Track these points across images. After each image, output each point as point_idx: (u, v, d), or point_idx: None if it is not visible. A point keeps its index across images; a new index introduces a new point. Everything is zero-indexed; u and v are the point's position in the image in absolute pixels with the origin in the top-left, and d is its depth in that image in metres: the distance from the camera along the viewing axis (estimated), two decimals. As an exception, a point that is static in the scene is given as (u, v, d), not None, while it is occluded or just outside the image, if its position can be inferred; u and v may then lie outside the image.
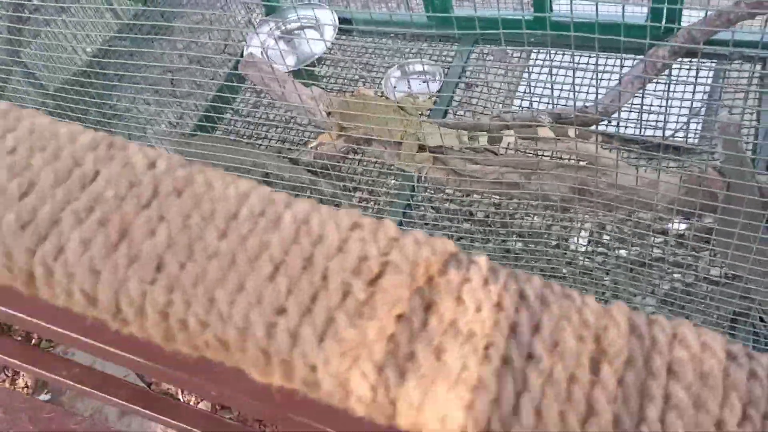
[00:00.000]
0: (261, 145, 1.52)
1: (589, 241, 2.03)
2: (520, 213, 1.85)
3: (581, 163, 1.22)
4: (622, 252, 1.95)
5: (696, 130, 1.97)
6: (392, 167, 1.31)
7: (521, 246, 2.02)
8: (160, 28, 1.68)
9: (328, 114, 1.32)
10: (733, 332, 1.13)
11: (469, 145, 1.25)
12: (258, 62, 1.42)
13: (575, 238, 2.00)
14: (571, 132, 1.18)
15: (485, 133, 1.23)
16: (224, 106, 1.66)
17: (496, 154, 1.30)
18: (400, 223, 1.38)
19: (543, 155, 1.26)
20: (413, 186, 1.34)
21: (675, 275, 1.68)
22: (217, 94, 1.57)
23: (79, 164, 0.29)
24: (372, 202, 1.42)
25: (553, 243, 2.00)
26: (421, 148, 1.29)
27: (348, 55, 1.72)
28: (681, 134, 1.88)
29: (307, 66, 1.62)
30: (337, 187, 1.35)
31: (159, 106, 1.77)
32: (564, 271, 1.99)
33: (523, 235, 1.96)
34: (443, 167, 1.28)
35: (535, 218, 1.87)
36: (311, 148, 1.32)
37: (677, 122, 1.80)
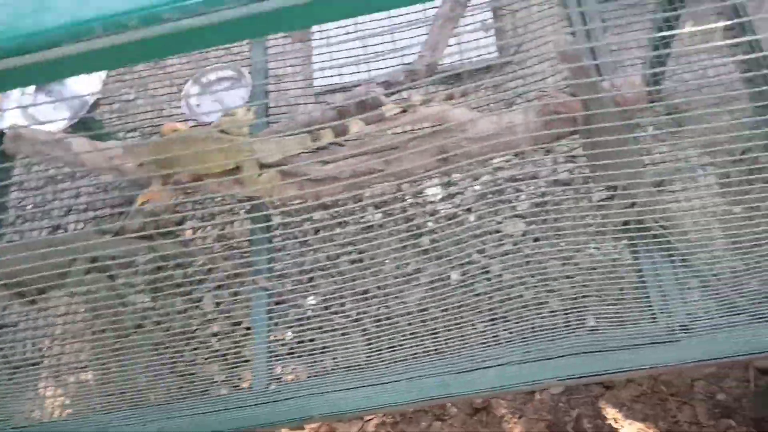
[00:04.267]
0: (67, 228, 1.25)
1: (443, 187, 2.01)
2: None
3: (435, 127, 1.14)
4: (477, 187, 1.95)
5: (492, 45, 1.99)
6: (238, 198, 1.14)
7: (380, 216, 1.95)
8: None
9: (140, 166, 1.10)
10: (633, 242, 1.14)
11: (316, 146, 1.12)
12: (29, 133, 1.15)
13: (428, 190, 1.97)
14: (416, 98, 1.09)
15: (327, 127, 1.10)
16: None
17: (342, 145, 1.18)
18: (270, 261, 1.22)
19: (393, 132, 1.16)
20: (267, 214, 1.19)
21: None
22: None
23: None
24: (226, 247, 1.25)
25: (409, 202, 1.95)
26: (262, 166, 1.13)
27: (131, 88, 1.47)
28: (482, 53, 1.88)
29: (86, 115, 1.36)
30: (180, 245, 1.15)
31: None
32: (429, 224, 1.95)
33: (378, 205, 1.89)
34: (295, 179, 1.13)
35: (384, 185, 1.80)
36: (136, 210, 1.11)
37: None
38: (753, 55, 1.15)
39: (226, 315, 1.54)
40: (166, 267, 1.16)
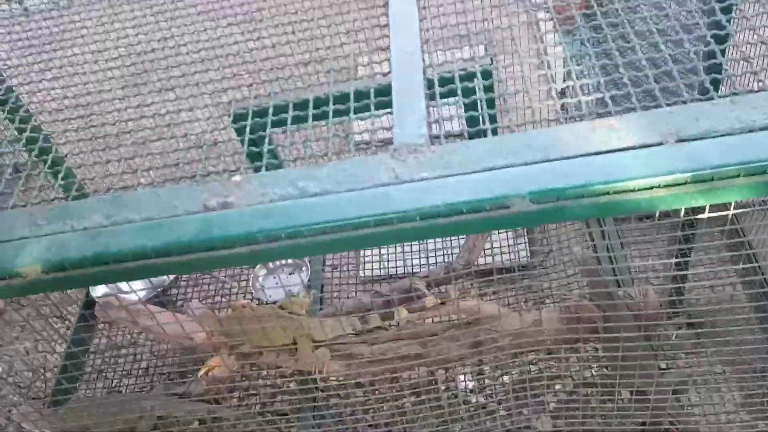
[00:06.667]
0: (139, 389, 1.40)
1: (473, 378, 2.10)
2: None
3: (467, 319, 1.29)
4: (506, 379, 2.04)
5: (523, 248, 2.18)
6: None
7: (414, 402, 2.03)
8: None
9: (211, 335, 1.26)
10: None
11: (364, 328, 1.27)
12: (117, 302, 1.34)
13: (461, 380, 2.06)
14: (452, 293, 1.26)
15: (375, 313, 1.26)
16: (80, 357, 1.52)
17: (386, 329, 1.33)
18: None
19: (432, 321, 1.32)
20: (316, 386, 1.32)
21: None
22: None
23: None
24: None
25: (443, 388, 2.04)
26: (315, 343, 1.28)
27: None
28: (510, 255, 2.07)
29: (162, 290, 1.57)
30: (238, 409, 1.27)
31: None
32: (461, 413, 2.02)
33: (414, 391, 1.98)
34: (344, 358, 1.27)
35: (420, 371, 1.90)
36: (201, 376, 1.25)
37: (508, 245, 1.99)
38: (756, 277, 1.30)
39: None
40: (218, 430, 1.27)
